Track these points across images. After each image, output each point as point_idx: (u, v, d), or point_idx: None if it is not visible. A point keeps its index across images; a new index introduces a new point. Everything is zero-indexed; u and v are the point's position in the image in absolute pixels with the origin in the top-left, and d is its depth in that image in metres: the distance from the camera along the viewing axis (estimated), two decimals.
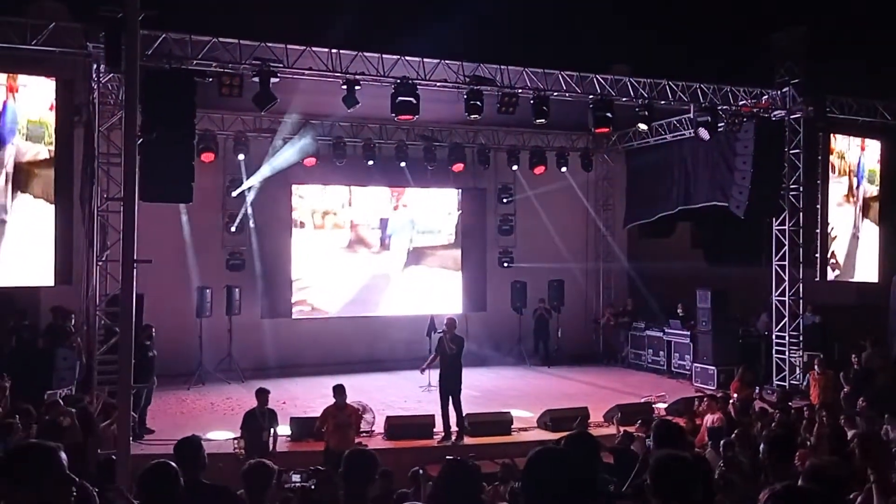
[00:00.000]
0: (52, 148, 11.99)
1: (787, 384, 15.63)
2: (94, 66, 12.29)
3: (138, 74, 7.35)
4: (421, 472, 7.89)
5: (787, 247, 16.22)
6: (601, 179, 21.30)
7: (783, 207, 16.17)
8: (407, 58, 13.50)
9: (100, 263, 12.39)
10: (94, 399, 11.28)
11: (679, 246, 21.09)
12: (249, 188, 17.32)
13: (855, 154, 17.28)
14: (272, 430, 10.35)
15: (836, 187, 16.97)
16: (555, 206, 20.15)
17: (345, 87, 13.09)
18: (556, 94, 14.56)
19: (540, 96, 14.31)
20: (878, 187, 17.65)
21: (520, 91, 14.28)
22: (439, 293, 19.45)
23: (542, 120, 14.58)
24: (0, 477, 2.79)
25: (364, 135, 18.17)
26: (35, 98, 11.96)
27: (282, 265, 18.22)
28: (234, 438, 10.00)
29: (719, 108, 15.56)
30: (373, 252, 19.24)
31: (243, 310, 17.03)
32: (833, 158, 16.85)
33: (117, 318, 10.16)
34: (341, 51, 13.09)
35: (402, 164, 18.30)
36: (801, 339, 16.08)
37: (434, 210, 19.92)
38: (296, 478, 6.00)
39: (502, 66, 14.19)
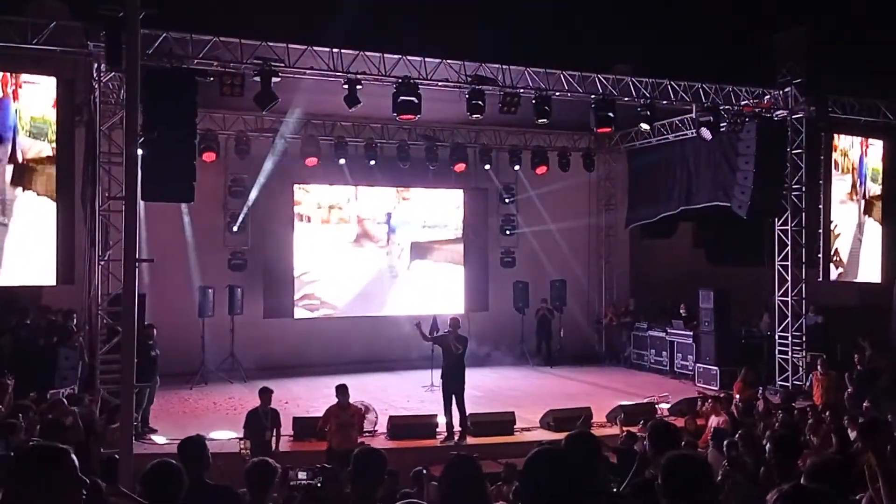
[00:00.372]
0: (55, 146, 12.00)
1: (789, 385, 15.60)
2: (95, 65, 12.29)
3: (139, 74, 7.34)
4: (424, 471, 7.89)
5: (789, 247, 16.19)
6: (603, 179, 21.28)
7: (785, 207, 16.14)
8: (408, 57, 13.48)
9: (102, 263, 12.40)
10: (97, 398, 11.27)
11: (681, 246, 21.08)
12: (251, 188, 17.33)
13: (856, 153, 17.26)
14: (275, 429, 10.34)
15: (840, 185, 16.95)
16: (557, 207, 20.12)
17: (346, 86, 13.07)
18: (557, 93, 14.53)
19: (542, 96, 14.29)
20: (881, 186, 17.63)
21: (521, 91, 14.25)
22: (443, 291, 19.42)
23: (544, 120, 14.55)
24: (12, 478, 2.77)
25: (366, 134, 18.16)
26: (38, 95, 11.96)
27: (284, 265, 18.21)
28: (239, 438, 9.99)
29: (721, 107, 15.53)
30: (379, 246, 19.25)
31: (245, 309, 17.03)
32: (836, 156, 16.83)
33: (119, 317, 10.15)
34: (343, 50, 13.07)
35: (405, 164, 18.29)
36: (803, 339, 16.06)
37: (441, 205, 19.89)
38: (301, 475, 5.99)
39: (504, 66, 14.18)
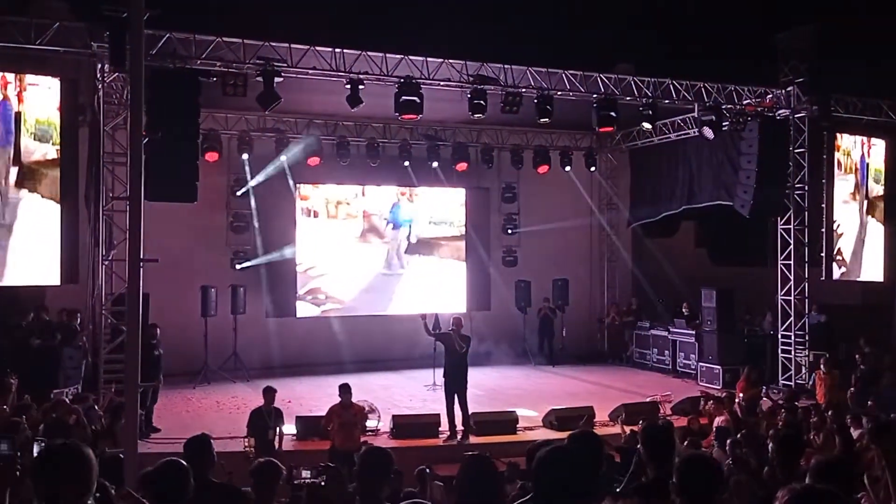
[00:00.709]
0: (59, 148, 12.03)
1: (792, 384, 15.61)
2: (99, 65, 12.33)
3: (143, 74, 7.37)
4: (427, 470, 7.90)
5: (792, 246, 16.19)
6: (605, 179, 21.27)
7: (788, 207, 16.15)
8: (410, 57, 13.49)
9: (106, 263, 12.42)
10: (101, 398, 11.31)
11: (683, 245, 21.06)
12: (253, 188, 17.34)
13: (858, 153, 17.25)
14: (278, 428, 10.36)
15: (843, 184, 16.94)
16: (559, 206, 20.13)
17: (348, 86, 13.10)
18: (559, 93, 14.54)
19: (543, 95, 14.29)
20: (883, 186, 17.61)
21: (523, 90, 14.27)
22: (445, 290, 19.42)
23: (546, 119, 14.56)
24: (37, 477, 2.80)
25: (368, 134, 18.18)
26: (43, 98, 11.99)
27: (287, 264, 18.22)
28: (245, 438, 10.02)
29: (724, 107, 15.53)
30: (384, 242, 19.29)
31: (248, 309, 17.06)
32: (839, 156, 16.82)
33: (123, 317, 10.17)
34: (345, 50, 13.09)
35: (406, 163, 18.32)
36: (806, 338, 16.06)
37: (446, 202, 19.91)
38: (305, 474, 6.02)
39: (506, 66, 14.19)
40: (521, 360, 18.83)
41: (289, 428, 11.12)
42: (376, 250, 19.22)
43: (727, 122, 15.65)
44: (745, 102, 16.04)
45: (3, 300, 13.56)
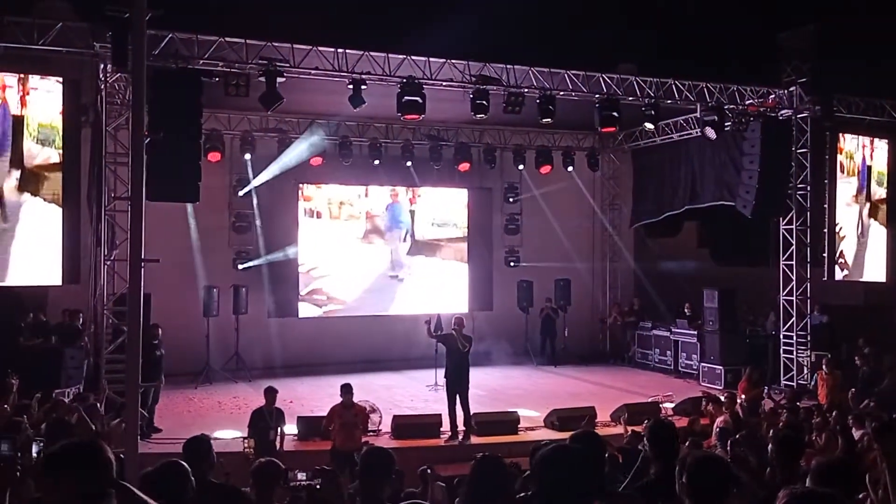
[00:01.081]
0: (62, 151, 12.05)
1: (794, 384, 15.59)
2: (101, 65, 12.34)
3: (145, 74, 7.36)
4: (429, 470, 7.89)
5: (794, 246, 16.18)
6: (607, 179, 21.28)
7: (790, 207, 16.14)
8: (413, 57, 13.49)
9: (107, 263, 12.42)
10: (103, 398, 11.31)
11: (685, 245, 21.03)
12: (255, 188, 17.34)
13: (860, 156, 17.22)
14: (279, 429, 10.36)
15: (846, 187, 16.93)
16: (561, 206, 20.13)
17: (351, 86, 13.10)
18: (562, 93, 14.53)
19: (546, 96, 14.29)
20: (886, 189, 17.58)
21: (526, 90, 14.26)
22: (447, 290, 19.43)
23: (549, 119, 14.57)
24: (48, 474, 2.80)
25: (370, 134, 18.18)
26: (46, 101, 12.01)
27: (289, 265, 18.23)
28: (244, 438, 10.01)
29: (726, 107, 15.52)
30: (386, 243, 19.29)
31: (250, 309, 17.07)
32: (842, 158, 16.80)
33: (125, 317, 10.18)
34: (347, 50, 13.09)
35: (409, 163, 18.32)
36: (808, 338, 16.04)
37: (449, 202, 19.91)
38: (301, 476, 6.02)
39: (508, 66, 14.18)
40: (522, 360, 18.82)
41: (290, 428, 11.13)
42: (379, 251, 19.23)
43: (729, 123, 15.64)
44: (747, 102, 16.02)
45: (6, 301, 13.59)
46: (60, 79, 12.22)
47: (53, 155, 12.01)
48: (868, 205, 17.32)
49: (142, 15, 7.11)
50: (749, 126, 15.61)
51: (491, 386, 15.74)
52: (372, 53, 13.23)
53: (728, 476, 3.49)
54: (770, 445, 4.86)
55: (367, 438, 10.93)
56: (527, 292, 19.32)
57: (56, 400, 10.15)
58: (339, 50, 13.07)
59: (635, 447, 9.20)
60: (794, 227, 16.20)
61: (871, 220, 17.34)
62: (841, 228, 16.70)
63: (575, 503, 3.21)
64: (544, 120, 14.57)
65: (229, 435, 11.21)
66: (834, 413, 10.40)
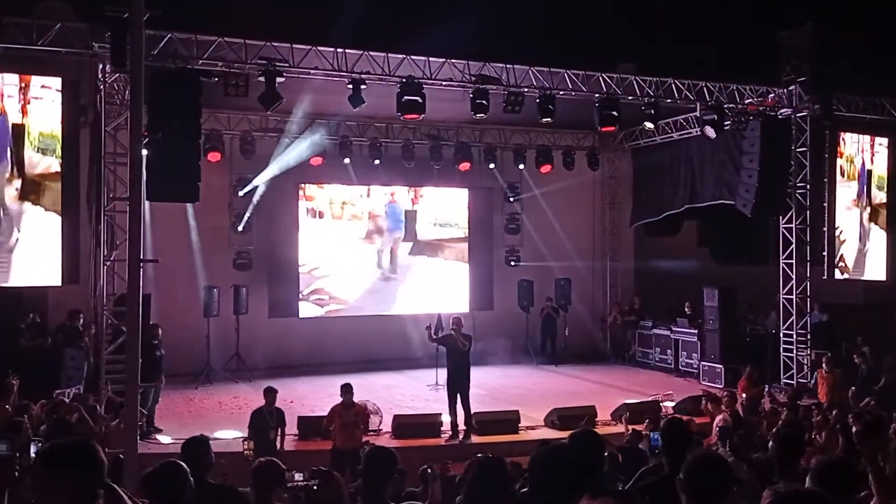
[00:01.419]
0: (62, 156, 12.04)
1: (794, 383, 15.58)
2: (100, 66, 12.33)
3: (144, 74, 7.36)
4: (430, 470, 7.88)
5: (794, 245, 16.17)
6: (607, 178, 21.27)
7: (790, 206, 16.13)
8: (413, 57, 13.48)
9: (107, 263, 12.42)
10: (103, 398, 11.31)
11: (686, 244, 21.03)
12: (256, 188, 17.32)
13: (860, 160, 17.20)
14: (279, 428, 10.36)
15: (846, 191, 16.90)
16: (561, 205, 20.13)
17: (350, 86, 13.09)
18: (562, 92, 14.52)
19: (546, 95, 14.28)
20: (886, 193, 17.56)
21: (526, 90, 14.25)
22: (448, 290, 19.43)
23: (549, 119, 14.55)
24: (48, 473, 2.80)
25: (370, 134, 18.17)
26: (47, 110, 12.00)
27: (289, 265, 18.23)
28: (243, 439, 10.00)
29: (725, 106, 15.51)
30: (387, 242, 19.28)
31: (251, 309, 17.07)
32: (842, 162, 16.78)
33: (124, 317, 10.16)
34: (347, 50, 13.08)
35: (409, 163, 18.31)
36: (808, 337, 16.03)
37: (449, 202, 19.90)
38: (298, 477, 6.03)
39: (508, 65, 14.17)
40: (523, 359, 18.82)
41: (290, 428, 11.12)
42: (380, 251, 19.24)
43: (729, 122, 15.64)
44: (746, 101, 16.01)
45: (6, 302, 13.59)
46: (59, 79, 12.20)
47: (54, 164, 11.98)
48: (868, 209, 17.30)
49: (140, 15, 7.12)
50: (749, 125, 15.60)
51: (491, 385, 15.74)
52: (371, 53, 13.22)
53: (728, 475, 3.47)
54: (770, 444, 4.86)
55: (368, 438, 10.94)
56: (527, 292, 19.32)
57: (56, 400, 10.15)
58: (339, 50, 13.05)
59: (635, 446, 9.22)
60: (793, 225, 16.20)
61: (872, 224, 17.32)
62: (841, 232, 16.68)
63: (568, 501, 3.20)
64: (544, 119, 14.56)
65: (230, 435, 11.21)
66: (834, 411, 10.41)
